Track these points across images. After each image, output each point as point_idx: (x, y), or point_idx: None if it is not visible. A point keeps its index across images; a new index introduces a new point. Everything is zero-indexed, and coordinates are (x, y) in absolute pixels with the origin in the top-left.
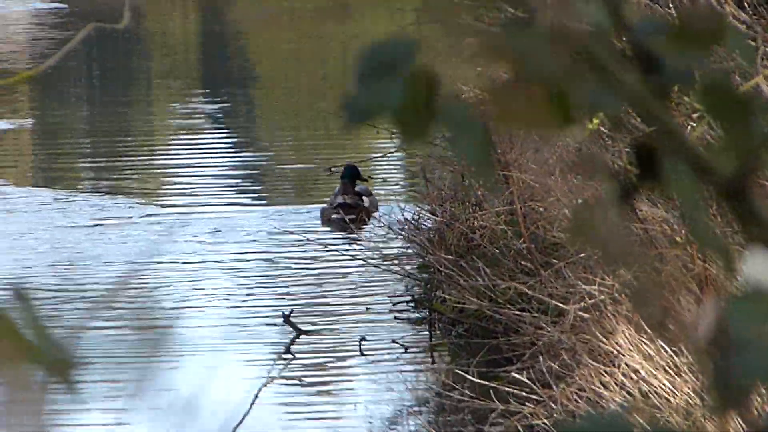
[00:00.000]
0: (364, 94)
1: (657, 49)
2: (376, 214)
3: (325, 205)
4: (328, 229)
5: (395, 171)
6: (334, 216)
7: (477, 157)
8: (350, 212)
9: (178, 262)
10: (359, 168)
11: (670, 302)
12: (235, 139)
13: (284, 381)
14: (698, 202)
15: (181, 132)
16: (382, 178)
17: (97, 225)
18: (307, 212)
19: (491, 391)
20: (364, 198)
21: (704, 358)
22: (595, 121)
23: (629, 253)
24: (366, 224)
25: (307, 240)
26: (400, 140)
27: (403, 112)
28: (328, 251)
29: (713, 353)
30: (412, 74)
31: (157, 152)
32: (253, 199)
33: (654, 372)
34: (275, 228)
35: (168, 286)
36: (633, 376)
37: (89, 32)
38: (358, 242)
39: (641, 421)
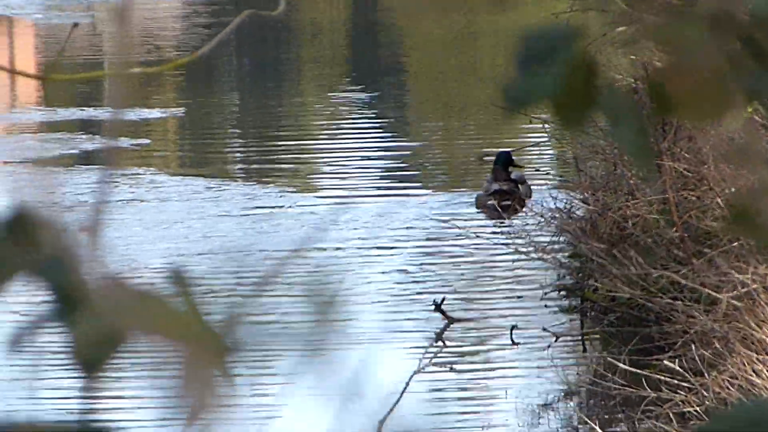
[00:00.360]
0: (523, 81)
1: None
2: (529, 202)
3: (480, 191)
4: (482, 216)
5: (547, 159)
6: (489, 202)
7: (635, 146)
8: (505, 198)
9: (331, 252)
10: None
11: None
12: (385, 127)
13: (436, 369)
14: None
15: (332, 120)
16: (533, 167)
17: (249, 214)
18: (454, 200)
19: (643, 380)
20: (519, 185)
21: None
22: (750, 109)
23: None
24: (519, 211)
25: (459, 228)
26: (558, 127)
27: (561, 99)
28: (480, 239)
29: None
30: (571, 61)
31: (308, 140)
32: (406, 187)
33: None
34: (427, 216)
35: (324, 275)
36: None
37: (243, 20)
38: (511, 230)
39: None
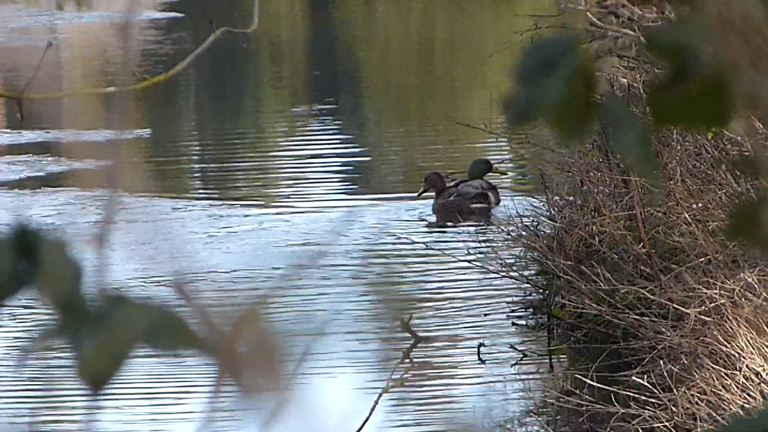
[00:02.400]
0: (525, 95)
1: None
2: (495, 210)
3: (451, 198)
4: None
5: (509, 175)
6: (474, 206)
7: (638, 153)
8: (486, 201)
9: (297, 267)
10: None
11: None
12: (344, 140)
13: (403, 387)
14: None
15: (292, 135)
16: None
17: (215, 234)
18: (414, 209)
19: (611, 396)
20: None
21: None
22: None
23: None
24: (492, 215)
25: (426, 245)
26: (558, 138)
27: (563, 110)
28: (447, 256)
29: None
30: (572, 72)
31: (269, 157)
32: (369, 199)
33: None
34: (384, 231)
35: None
36: (754, 378)
37: (218, 36)
38: (477, 246)
39: None
